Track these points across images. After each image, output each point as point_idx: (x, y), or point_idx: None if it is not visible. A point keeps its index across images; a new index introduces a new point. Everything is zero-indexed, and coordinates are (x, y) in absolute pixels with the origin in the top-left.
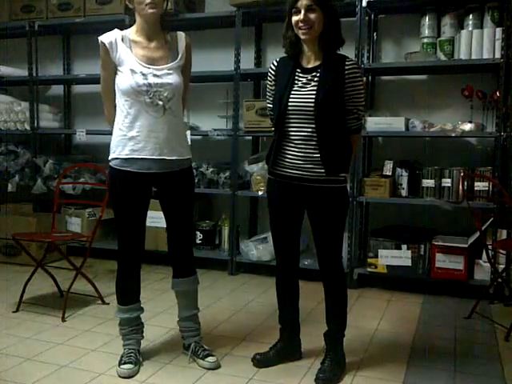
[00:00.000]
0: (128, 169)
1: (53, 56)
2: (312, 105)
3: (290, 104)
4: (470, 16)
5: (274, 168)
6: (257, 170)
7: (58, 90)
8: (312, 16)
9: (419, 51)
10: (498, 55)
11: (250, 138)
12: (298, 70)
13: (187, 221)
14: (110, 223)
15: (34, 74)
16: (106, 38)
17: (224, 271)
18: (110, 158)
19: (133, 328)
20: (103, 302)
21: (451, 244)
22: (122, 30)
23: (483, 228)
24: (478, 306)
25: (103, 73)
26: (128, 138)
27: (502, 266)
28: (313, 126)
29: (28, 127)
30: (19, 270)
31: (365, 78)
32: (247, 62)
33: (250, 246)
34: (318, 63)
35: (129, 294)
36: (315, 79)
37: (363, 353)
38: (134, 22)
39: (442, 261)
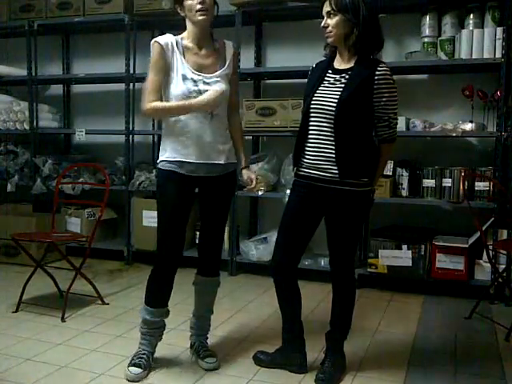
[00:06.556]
0: (175, 170)
1: (52, 55)
2: (334, 103)
3: (313, 102)
4: (471, 15)
5: (298, 169)
6: (257, 170)
7: (57, 89)
8: (330, 21)
9: (420, 51)
10: (498, 55)
11: (250, 137)
12: (330, 71)
13: (222, 224)
14: (110, 223)
15: (34, 74)
16: (161, 40)
17: (224, 271)
18: (158, 160)
19: (150, 329)
20: (103, 303)
21: (452, 244)
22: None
23: (484, 228)
24: (478, 306)
25: (152, 74)
26: (177, 142)
27: (503, 266)
28: (332, 125)
29: (27, 127)
30: (19, 270)
31: None
32: (247, 62)
33: (250, 246)
34: (349, 66)
35: (154, 297)
36: (343, 80)
37: (363, 353)
38: (185, 28)
39: (443, 261)
